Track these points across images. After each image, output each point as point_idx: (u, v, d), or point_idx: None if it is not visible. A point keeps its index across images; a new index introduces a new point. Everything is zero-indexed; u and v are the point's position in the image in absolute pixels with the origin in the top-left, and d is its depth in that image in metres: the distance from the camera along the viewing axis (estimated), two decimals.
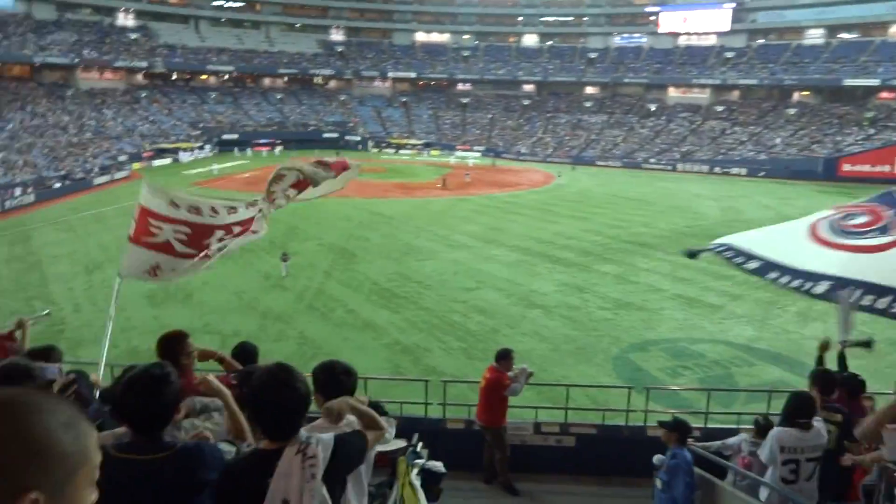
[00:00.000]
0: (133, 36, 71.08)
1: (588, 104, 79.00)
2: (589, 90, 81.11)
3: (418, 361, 16.04)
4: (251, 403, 2.45)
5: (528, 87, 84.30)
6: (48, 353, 4.15)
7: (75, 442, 0.95)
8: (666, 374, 15.45)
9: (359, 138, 75.88)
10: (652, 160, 65.04)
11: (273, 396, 2.37)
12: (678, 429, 6.05)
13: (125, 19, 72.53)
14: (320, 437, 2.42)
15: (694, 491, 5.87)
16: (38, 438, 0.91)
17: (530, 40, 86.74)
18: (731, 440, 6.73)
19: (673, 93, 75.42)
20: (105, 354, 5.01)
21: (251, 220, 5.85)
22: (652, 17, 78.59)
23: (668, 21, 77.09)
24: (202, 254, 5.34)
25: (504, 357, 8.20)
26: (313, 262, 25.34)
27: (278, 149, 69.68)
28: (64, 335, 17.29)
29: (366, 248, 27.94)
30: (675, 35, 77.77)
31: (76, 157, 50.10)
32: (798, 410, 4.98)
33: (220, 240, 5.46)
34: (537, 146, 72.81)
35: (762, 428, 6.58)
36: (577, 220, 34.99)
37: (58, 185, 42.98)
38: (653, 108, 74.69)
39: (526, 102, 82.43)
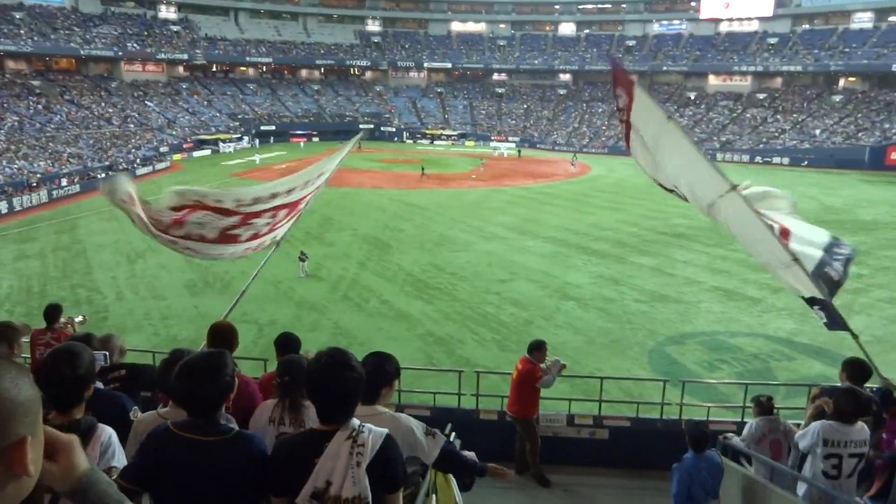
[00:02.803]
0: (175, 28, 72.34)
1: None
2: None
3: (451, 352, 16.10)
4: (308, 385, 2.50)
5: (565, 77, 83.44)
6: (88, 340, 4.31)
7: (28, 390, 1.12)
8: (703, 367, 15.24)
9: (394, 129, 76.09)
10: None
11: (328, 379, 2.43)
12: (686, 434, 5.98)
13: (167, 12, 73.82)
14: (372, 429, 2.48)
15: (684, 497, 5.72)
16: (13, 394, 1.07)
17: (567, 29, 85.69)
18: (745, 433, 6.59)
19: (713, 81, 73.80)
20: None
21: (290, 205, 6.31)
22: (693, 3, 76.91)
23: (710, 7, 75.28)
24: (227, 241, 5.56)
25: (537, 348, 8.17)
26: (348, 252, 25.57)
27: (315, 139, 70.37)
28: (107, 322, 17.82)
29: (400, 238, 28.07)
30: (717, 21, 75.98)
31: (119, 147, 51.33)
32: (848, 405, 4.86)
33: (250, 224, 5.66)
34: (574, 136, 72.04)
35: (765, 408, 6.49)
36: (612, 211, 34.61)
37: (102, 175, 44.04)
38: (692, 96, 73.24)
39: (562, 92, 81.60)
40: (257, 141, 65.82)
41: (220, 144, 61.76)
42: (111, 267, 23.58)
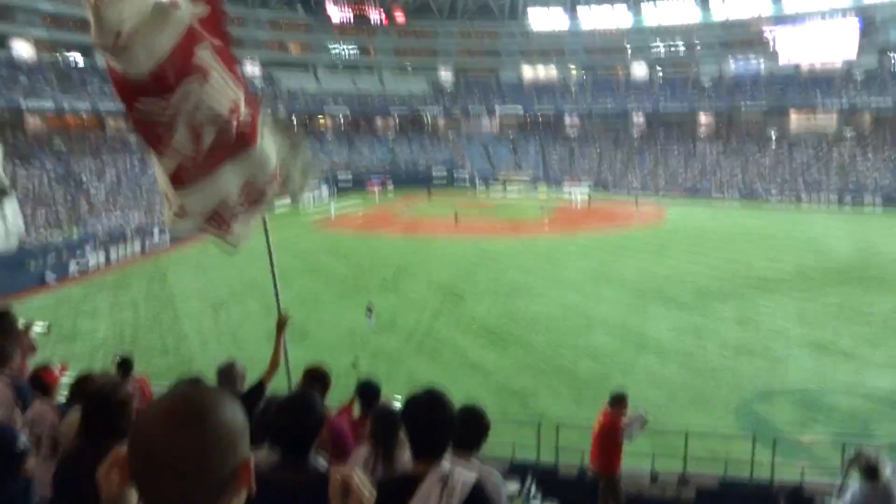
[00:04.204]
0: (258, 84, 76.27)
1: (702, 134, 76.31)
2: (703, 119, 78.40)
3: (526, 405, 15.86)
4: (405, 418, 2.69)
5: (638, 119, 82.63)
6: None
7: (242, 416, 1.24)
8: (794, 427, 14.38)
9: (467, 175, 76.92)
10: (773, 191, 61.51)
11: (425, 413, 2.60)
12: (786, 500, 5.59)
13: (252, 68, 77.99)
14: (463, 473, 2.55)
15: None
16: (234, 422, 1.20)
17: (640, 71, 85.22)
18: (846, 498, 5.98)
19: (795, 119, 71.24)
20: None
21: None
22: (770, 42, 75.12)
23: (788, 50, 73.20)
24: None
25: (618, 401, 8.00)
26: (422, 301, 25.79)
27: (389, 187, 71.86)
28: (191, 370, 18.51)
29: (473, 287, 28.11)
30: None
31: None
32: None
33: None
34: (649, 179, 70.88)
35: (868, 469, 5.68)
36: (693, 258, 33.57)
37: None
38: (773, 135, 70.96)
39: (636, 135, 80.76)
40: (335, 189, 67.87)
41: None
42: (197, 316, 24.61)
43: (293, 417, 2.62)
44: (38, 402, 4.72)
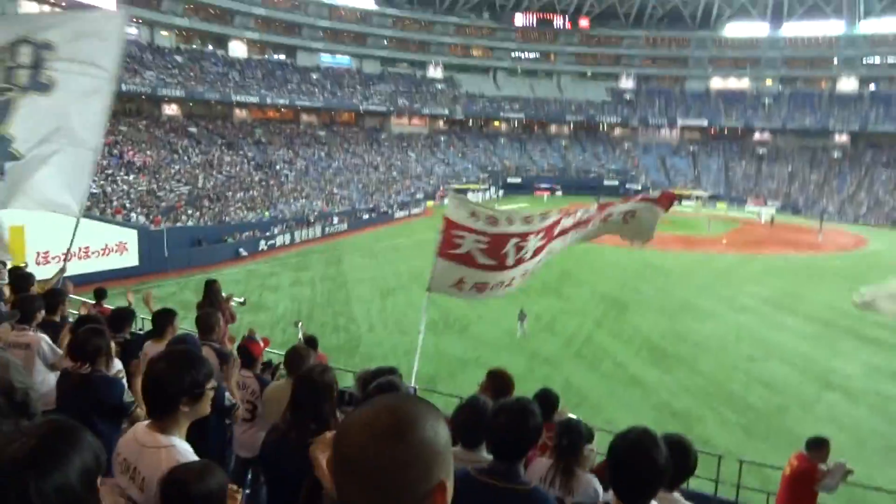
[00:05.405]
0: (439, 86, 78.93)
1: None
2: None
3: (689, 430, 14.84)
4: (613, 461, 2.43)
5: (841, 138, 74.78)
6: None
7: (445, 434, 1.17)
8: None
9: (640, 187, 74.17)
10: None
11: (633, 461, 2.35)
12: None
13: (434, 72, 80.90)
14: None
15: None
16: (436, 441, 1.14)
17: (847, 85, 77.13)
18: None
19: None
20: (416, 364, 6.22)
21: (549, 228, 6.91)
22: None
23: None
24: (502, 268, 6.50)
25: (817, 446, 7.15)
26: (584, 308, 25.19)
27: (558, 193, 71.27)
28: (359, 350, 19.53)
29: (639, 300, 26.98)
30: None
31: (382, 192, 56.84)
32: None
33: (518, 248, 6.55)
34: (847, 205, 63.99)
35: None
36: None
37: (366, 216, 49.15)
38: None
39: (836, 155, 73.19)
40: (501, 192, 68.67)
41: (469, 194, 65.42)
42: (367, 300, 25.89)
43: (512, 424, 2.58)
44: (242, 369, 5.22)
